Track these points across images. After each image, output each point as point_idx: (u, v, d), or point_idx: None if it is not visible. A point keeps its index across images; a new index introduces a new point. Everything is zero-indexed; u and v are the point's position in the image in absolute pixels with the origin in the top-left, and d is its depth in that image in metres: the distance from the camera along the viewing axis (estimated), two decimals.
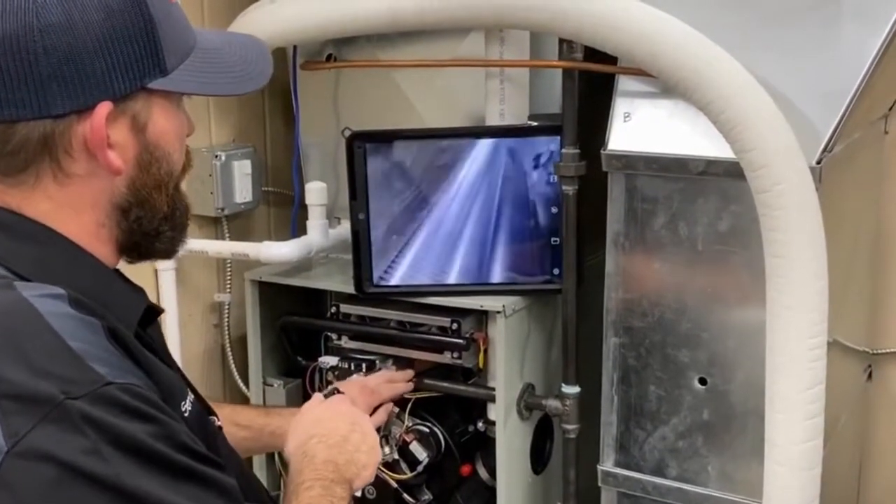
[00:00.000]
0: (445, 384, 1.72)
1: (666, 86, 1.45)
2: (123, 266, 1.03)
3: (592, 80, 1.57)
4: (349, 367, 1.73)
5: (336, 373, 1.74)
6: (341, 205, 1.88)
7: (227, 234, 1.99)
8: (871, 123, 1.70)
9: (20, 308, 0.85)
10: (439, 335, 1.68)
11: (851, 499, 2.02)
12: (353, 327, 1.76)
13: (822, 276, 1.33)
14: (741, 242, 1.44)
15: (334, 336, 1.79)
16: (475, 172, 1.65)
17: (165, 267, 1.86)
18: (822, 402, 1.34)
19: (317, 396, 1.47)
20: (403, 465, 1.70)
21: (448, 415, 1.73)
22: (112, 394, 0.81)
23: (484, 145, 1.64)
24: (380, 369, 1.73)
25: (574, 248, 1.62)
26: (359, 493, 1.67)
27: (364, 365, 1.73)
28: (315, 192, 1.82)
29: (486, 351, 1.67)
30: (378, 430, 1.47)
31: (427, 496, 1.74)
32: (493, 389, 1.66)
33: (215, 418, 1.11)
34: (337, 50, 1.85)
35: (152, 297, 1.07)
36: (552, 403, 1.69)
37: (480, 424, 1.72)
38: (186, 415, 0.97)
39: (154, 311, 1.06)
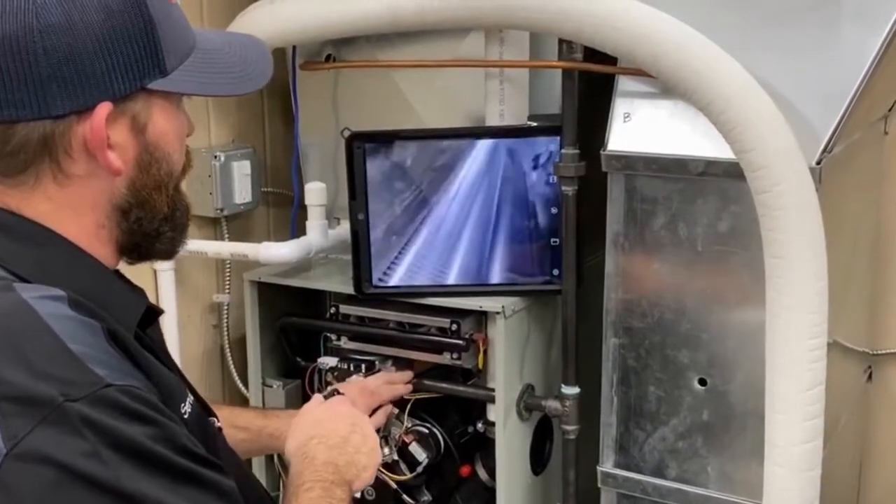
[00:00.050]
0: (445, 385, 1.72)
1: (666, 86, 1.44)
2: (123, 266, 1.03)
3: (592, 80, 1.57)
4: (348, 367, 1.73)
5: (335, 373, 1.74)
6: (341, 205, 1.88)
7: (227, 235, 1.99)
8: (870, 124, 1.70)
9: (20, 310, 0.85)
10: (439, 336, 1.68)
11: (851, 500, 2.02)
12: (353, 328, 1.76)
13: (821, 277, 1.32)
14: (741, 243, 1.44)
15: (333, 337, 1.78)
16: (475, 173, 1.65)
17: (164, 267, 1.86)
18: (821, 403, 1.34)
19: (317, 397, 1.46)
20: (403, 466, 1.70)
21: (447, 416, 1.73)
22: (111, 396, 0.81)
23: (483, 146, 1.64)
24: (379, 370, 1.73)
25: (574, 249, 1.62)
26: (358, 494, 1.67)
27: (363, 366, 1.73)
28: (314, 193, 1.81)
29: (485, 352, 1.67)
30: (377, 431, 1.47)
31: (426, 497, 1.74)
32: (493, 390, 1.66)
33: (215, 419, 1.11)
34: (336, 50, 1.84)
35: (151, 298, 1.07)
36: (552, 404, 1.68)
37: (480, 425, 1.72)
38: (186, 416, 0.97)
39: (154, 312, 1.06)
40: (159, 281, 1.88)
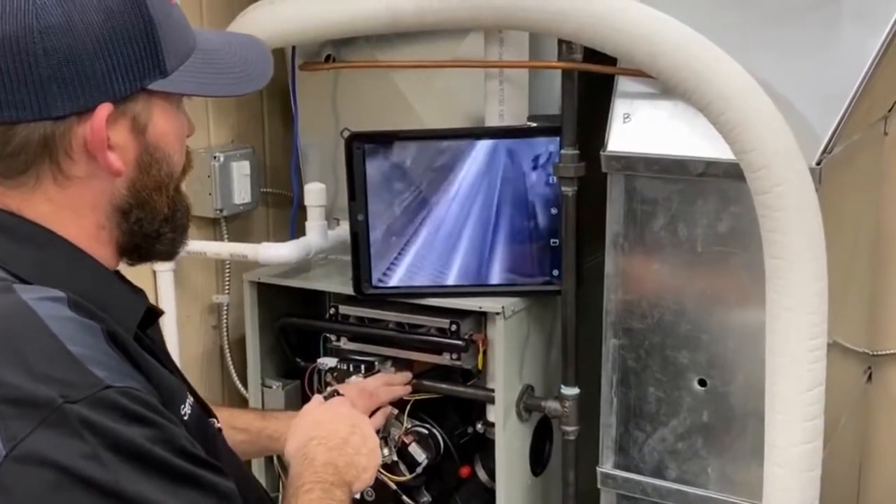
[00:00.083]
0: (444, 386, 1.72)
1: (665, 87, 1.44)
2: (122, 267, 1.03)
3: (592, 80, 1.56)
4: (348, 368, 1.73)
5: (335, 374, 1.74)
6: (340, 206, 1.88)
7: (226, 236, 1.99)
8: (870, 125, 1.70)
9: (19, 311, 0.85)
10: (438, 336, 1.68)
11: (851, 500, 2.02)
12: (352, 328, 1.76)
13: (821, 278, 1.32)
14: (741, 244, 1.44)
15: (333, 337, 1.78)
16: (474, 173, 1.65)
17: (164, 268, 1.86)
18: (821, 404, 1.34)
19: (317, 398, 1.46)
20: (402, 467, 1.70)
21: (447, 416, 1.73)
22: (111, 398, 0.81)
23: (483, 146, 1.64)
24: (378, 371, 1.73)
25: (573, 250, 1.62)
26: (358, 495, 1.67)
27: (363, 366, 1.72)
28: (314, 193, 1.81)
29: (485, 352, 1.66)
30: (377, 432, 1.47)
31: (426, 498, 1.74)
32: (493, 391, 1.65)
33: (215, 420, 1.11)
34: (336, 51, 1.84)
35: (151, 298, 1.07)
36: (551, 405, 1.68)
37: (479, 426, 1.72)
38: (186, 418, 0.97)
39: (154, 313, 1.06)
40: (159, 281, 1.88)
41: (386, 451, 1.68)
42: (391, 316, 1.73)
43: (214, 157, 1.91)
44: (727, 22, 1.48)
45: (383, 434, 1.68)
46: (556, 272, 1.66)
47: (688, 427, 1.53)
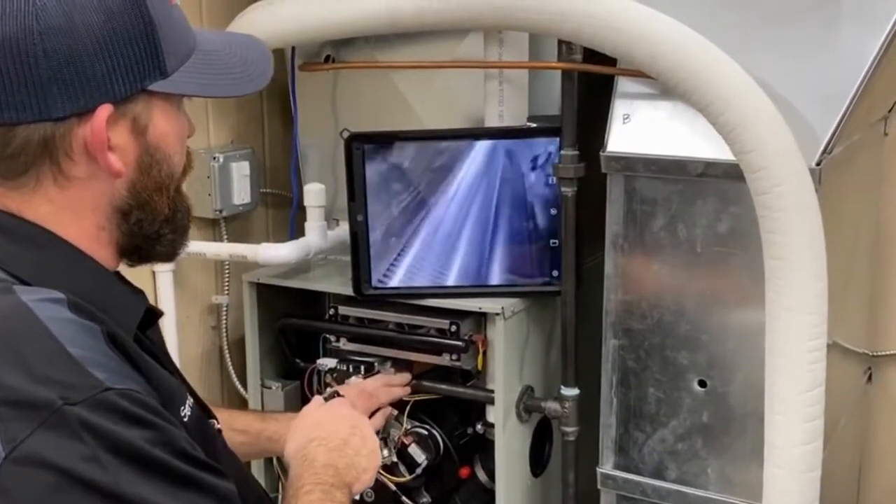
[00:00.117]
0: (444, 386, 1.72)
1: (665, 87, 1.44)
2: (122, 268, 1.02)
3: (591, 81, 1.56)
4: (348, 369, 1.73)
5: (334, 375, 1.74)
6: (340, 206, 1.88)
7: (225, 236, 1.99)
8: (870, 125, 1.70)
9: (19, 313, 0.85)
10: (438, 337, 1.68)
11: (851, 501, 2.02)
12: (352, 329, 1.76)
13: (821, 278, 1.32)
14: (740, 244, 1.44)
15: (333, 338, 1.78)
16: (474, 174, 1.65)
17: (163, 269, 1.86)
18: (821, 405, 1.34)
19: (317, 399, 1.46)
20: (402, 468, 1.70)
21: (447, 417, 1.73)
22: (111, 399, 0.81)
23: (483, 147, 1.63)
24: (378, 371, 1.73)
25: (573, 250, 1.62)
26: (357, 496, 1.67)
27: (362, 367, 1.72)
28: (313, 194, 1.81)
29: (484, 353, 1.66)
30: (376, 433, 1.47)
31: (426, 499, 1.74)
32: (492, 392, 1.65)
33: (215, 421, 1.11)
34: (335, 51, 1.84)
35: (150, 299, 1.07)
36: (551, 405, 1.68)
37: (479, 427, 1.72)
38: (186, 420, 0.97)
39: (154, 314, 1.06)
40: (158, 282, 1.88)
41: (385, 452, 1.68)
42: (391, 317, 1.73)
43: (214, 158, 1.91)
44: (727, 22, 1.48)
45: (383, 435, 1.68)
46: (555, 273, 1.66)
47: (688, 428, 1.53)
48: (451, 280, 1.68)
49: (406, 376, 1.71)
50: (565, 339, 1.65)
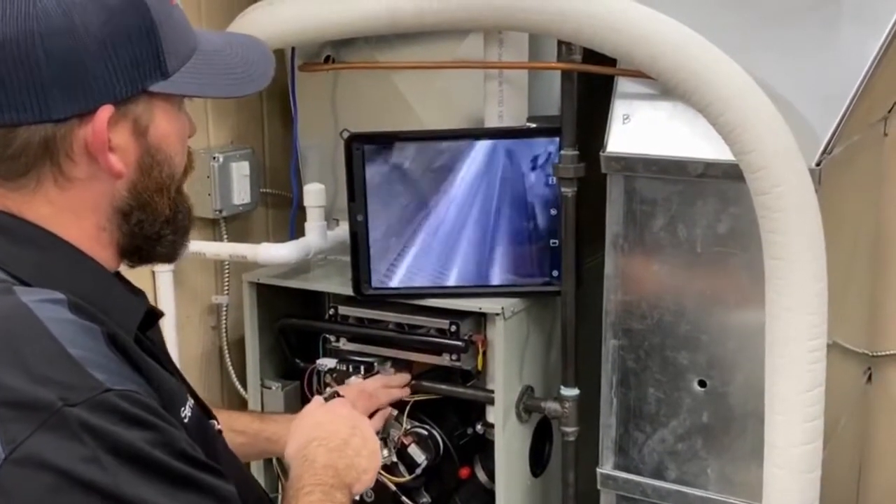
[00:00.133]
0: (444, 386, 1.72)
1: (665, 88, 1.44)
2: (122, 268, 1.02)
3: (591, 81, 1.56)
4: (347, 369, 1.73)
5: (334, 375, 1.74)
6: (340, 206, 1.88)
7: (225, 236, 1.99)
8: (870, 125, 1.70)
9: (19, 313, 0.85)
10: (438, 337, 1.68)
11: (851, 501, 2.02)
12: (352, 329, 1.76)
13: (821, 278, 1.32)
14: (740, 244, 1.44)
15: (332, 338, 1.78)
16: (474, 174, 1.65)
17: (163, 269, 1.86)
18: (821, 405, 1.34)
19: (317, 399, 1.46)
20: (402, 468, 1.70)
21: (447, 417, 1.73)
22: (111, 401, 0.81)
23: (483, 147, 1.63)
24: (378, 372, 1.73)
25: (573, 250, 1.62)
26: (357, 497, 1.67)
27: (362, 367, 1.72)
28: (313, 194, 1.81)
29: (484, 353, 1.66)
30: (376, 434, 1.47)
31: (425, 499, 1.74)
32: (492, 392, 1.65)
33: (215, 422, 1.11)
34: (335, 51, 1.84)
35: (150, 299, 1.07)
36: (551, 406, 1.68)
37: (479, 427, 1.72)
38: (186, 421, 0.96)
39: (154, 315, 1.06)
40: (158, 282, 1.88)
41: (385, 452, 1.68)
42: (391, 317, 1.73)
43: (214, 158, 1.91)
44: (727, 22, 1.48)
45: (383, 435, 1.68)
46: (555, 273, 1.66)
47: (687, 428, 1.53)
48: (451, 280, 1.68)
49: (405, 377, 1.71)
50: (565, 339, 1.65)
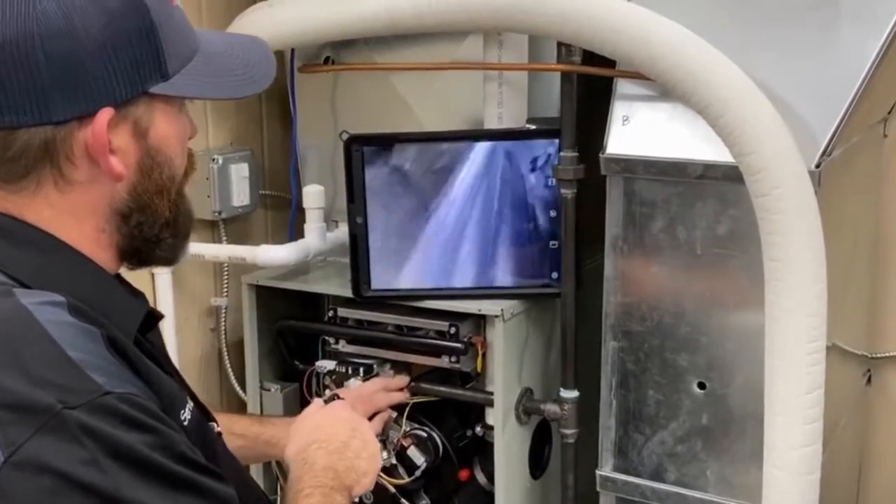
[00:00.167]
0: (443, 388, 1.71)
1: (664, 89, 1.44)
2: (123, 270, 1.02)
3: (591, 83, 1.56)
4: (346, 371, 1.73)
5: (333, 377, 1.73)
6: (339, 208, 1.88)
7: (224, 238, 1.99)
8: (870, 127, 1.70)
9: (19, 315, 0.84)
10: (437, 339, 1.68)
11: (851, 503, 2.02)
12: (351, 331, 1.76)
13: (820, 280, 1.32)
14: (740, 246, 1.44)
15: (332, 340, 1.78)
16: (473, 175, 1.64)
17: (162, 271, 1.86)
18: (821, 407, 1.34)
19: (317, 402, 1.46)
20: (401, 470, 1.70)
21: (446, 419, 1.73)
22: (110, 403, 0.80)
23: (482, 148, 1.63)
24: (377, 374, 1.73)
25: (573, 252, 1.62)
26: (356, 499, 1.67)
27: (361, 369, 1.72)
28: (313, 196, 1.81)
29: (484, 355, 1.66)
30: (376, 436, 1.47)
31: (425, 501, 1.74)
32: (492, 394, 1.65)
33: (215, 424, 1.11)
34: (335, 53, 1.84)
35: (149, 301, 1.07)
36: (551, 408, 1.68)
37: (478, 429, 1.72)
38: (186, 423, 0.96)
39: (154, 317, 1.05)
40: (157, 284, 1.88)
41: (385, 455, 1.67)
42: (390, 318, 1.73)
43: (213, 160, 1.91)
44: (726, 23, 1.48)
45: (382, 437, 1.68)
46: (555, 274, 1.66)
47: (687, 430, 1.53)
48: (451, 282, 1.68)
49: (405, 379, 1.71)
50: (565, 341, 1.65)
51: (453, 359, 1.66)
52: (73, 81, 0.86)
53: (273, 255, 1.80)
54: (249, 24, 1.70)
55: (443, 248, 1.68)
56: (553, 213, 1.63)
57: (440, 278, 1.68)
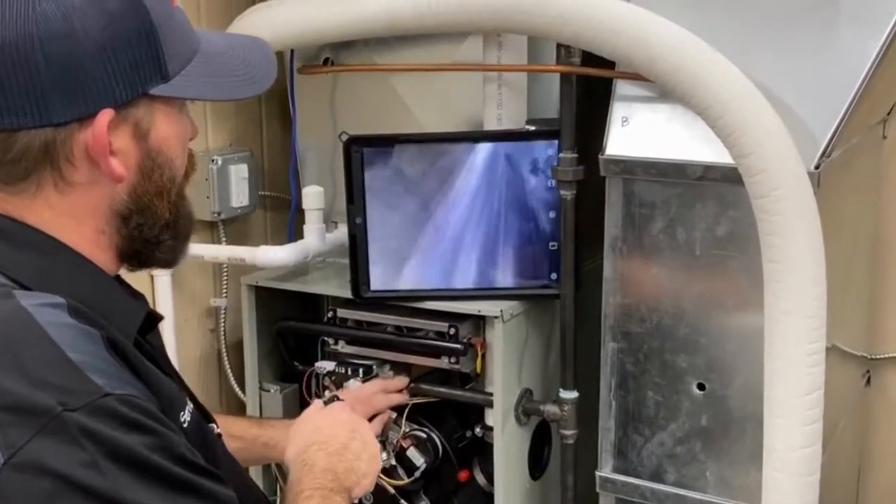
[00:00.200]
0: (443, 389, 1.71)
1: (663, 90, 1.44)
2: (122, 272, 1.02)
3: (590, 84, 1.56)
4: (346, 371, 1.73)
5: (333, 378, 1.73)
6: (338, 209, 1.88)
7: (224, 239, 1.99)
8: (869, 128, 1.70)
9: (19, 317, 0.84)
10: (437, 340, 1.67)
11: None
12: (350, 332, 1.76)
13: (820, 282, 1.32)
14: (739, 247, 1.44)
15: (331, 341, 1.78)
16: (473, 177, 1.64)
17: (161, 272, 1.86)
18: (820, 408, 1.34)
19: (316, 403, 1.46)
20: (401, 471, 1.70)
21: (445, 420, 1.73)
22: (110, 405, 0.80)
23: (481, 149, 1.63)
24: (377, 374, 1.73)
25: (572, 253, 1.62)
26: (356, 500, 1.67)
27: (361, 370, 1.72)
28: (312, 197, 1.81)
29: (483, 356, 1.66)
30: (375, 438, 1.47)
31: (424, 502, 1.74)
32: (491, 395, 1.65)
33: (215, 426, 1.11)
34: (334, 54, 1.84)
35: (148, 302, 1.07)
36: (550, 409, 1.68)
37: (478, 430, 1.72)
38: (185, 425, 0.96)
39: (154, 319, 1.05)
40: (156, 285, 1.88)
41: (384, 456, 1.67)
42: (389, 319, 1.73)
43: (212, 161, 1.91)
44: (725, 24, 1.48)
45: (381, 438, 1.68)
46: (554, 276, 1.66)
47: (686, 431, 1.53)
48: (450, 283, 1.68)
49: (404, 380, 1.71)
50: (564, 342, 1.65)
51: (453, 360, 1.66)
52: (73, 83, 0.86)
53: (272, 255, 1.80)
54: (249, 24, 1.70)
55: (442, 248, 1.67)
56: (552, 215, 1.63)
57: (439, 279, 1.68)
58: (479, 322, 1.67)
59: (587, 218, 1.60)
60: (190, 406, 1.00)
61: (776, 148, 1.32)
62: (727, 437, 1.50)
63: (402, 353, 1.72)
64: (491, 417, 1.67)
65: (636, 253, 1.52)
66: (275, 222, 2.15)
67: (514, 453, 1.70)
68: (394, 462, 1.69)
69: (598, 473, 1.61)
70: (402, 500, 1.72)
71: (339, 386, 1.71)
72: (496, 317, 1.61)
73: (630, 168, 1.48)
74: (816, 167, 1.36)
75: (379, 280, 1.70)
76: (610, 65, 1.50)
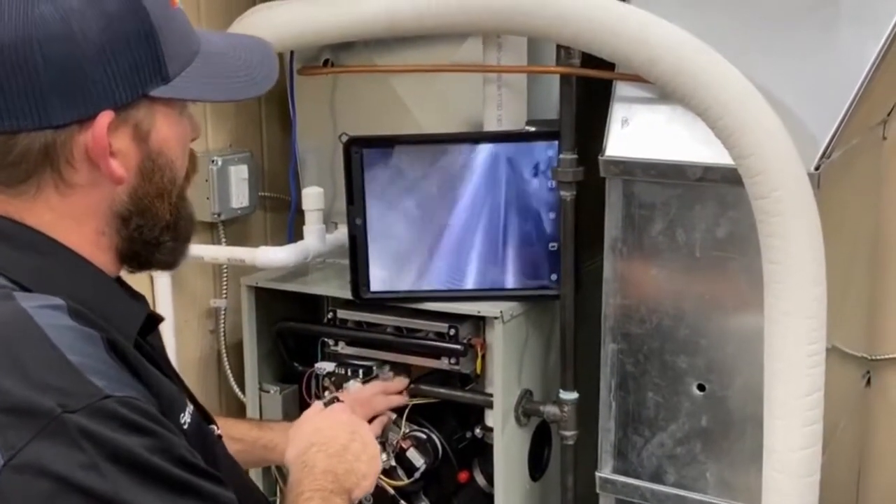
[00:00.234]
0: (443, 390, 1.71)
1: (663, 91, 1.44)
2: (123, 273, 1.02)
3: (590, 85, 1.56)
4: (346, 372, 1.73)
5: (333, 378, 1.73)
6: (338, 210, 1.88)
7: (224, 240, 1.99)
8: (869, 129, 1.70)
9: (18, 319, 0.84)
10: (437, 341, 1.68)
11: None
12: (350, 333, 1.76)
13: (820, 282, 1.32)
14: (739, 249, 1.44)
15: (331, 342, 1.78)
16: (472, 178, 1.64)
17: (161, 273, 1.85)
18: (820, 409, 1.34)
19: (317, 404, 1.46)
20: (400, 472, 1.70)
21: (445, 421, 1.73)
22: (110, 407, 0.80)
23: (481, 151, 1.63)
24: (376, 375, 1.73)
25: (572, 254, 1.62)
26: (356, 502, 1.67)
27: (361, 371, 1.72)
28: (312, 197, 1.81)
29: (483, 357, 1.66)
30: (375, 439, 1.47)
31: (424, 503, 1.74)
32: (491, 395, 1.65)
33: (215, 427, 1.11)
34: (334, 55, 1.84)
35: (148, 303, 1.07)
36: (550, 409, 1.68)
37: (478, 431, 1.72)
38: (186, 427, 0.96)
39: (154, 320, 1.05)
40: (156, 285, 1.88)
41: (384, 457, 1.67)
42: (389, 320, 1.73)
43: (212, 161, 1.91)
44: (725, 25, 1.48)
45: (381, 439, 1.68)
46: (554, 276, 1.66)
47: (686, 432, 1.53)
48: (450, 284, 1.68)
49: (404, 381, 1.71)
50: (564, 342, 1.65)
51: (453, 360, 1.66)
52: (72, 85, 0.86)
53: (272, 256, 1.80)
54: (249, 25, 1.70)
55: (442, 249, 1.67)
56: (552, 216, 1.63)
57: (439, 280, 1.68)
58: (479, 323, 1.67)
59: (587, 219, 1.60)
60: (190, 407, 1.00)
61: (776, 149, 1.32)
62: (727, 438, 1.50)
63: (402, 353, 1.72)
64: (491, 418, 1.67)
65: (636, 254, 1.52)
66: (275, 223, 2.15)
67: (514, 454, 1.70)
68: (394, 463, 1.69)
69: (598, 474, 1.61)
70: (402, 501, 1.72)
71: (338, 387, 1.71)
72: (496, 317, 1.61)
73: (630, 169, 1.48)
74: (816, 168, 1.36)
75: (379, 281, 1.70)
76: (610, 66, 1.50)
